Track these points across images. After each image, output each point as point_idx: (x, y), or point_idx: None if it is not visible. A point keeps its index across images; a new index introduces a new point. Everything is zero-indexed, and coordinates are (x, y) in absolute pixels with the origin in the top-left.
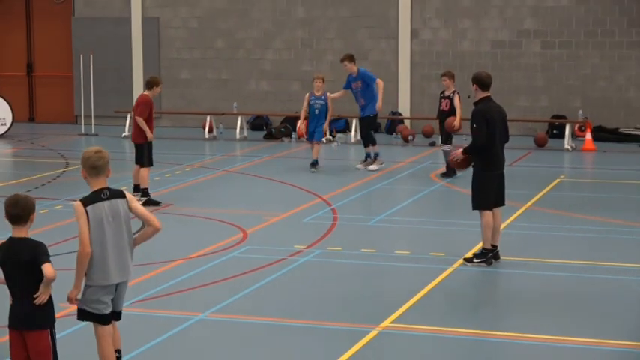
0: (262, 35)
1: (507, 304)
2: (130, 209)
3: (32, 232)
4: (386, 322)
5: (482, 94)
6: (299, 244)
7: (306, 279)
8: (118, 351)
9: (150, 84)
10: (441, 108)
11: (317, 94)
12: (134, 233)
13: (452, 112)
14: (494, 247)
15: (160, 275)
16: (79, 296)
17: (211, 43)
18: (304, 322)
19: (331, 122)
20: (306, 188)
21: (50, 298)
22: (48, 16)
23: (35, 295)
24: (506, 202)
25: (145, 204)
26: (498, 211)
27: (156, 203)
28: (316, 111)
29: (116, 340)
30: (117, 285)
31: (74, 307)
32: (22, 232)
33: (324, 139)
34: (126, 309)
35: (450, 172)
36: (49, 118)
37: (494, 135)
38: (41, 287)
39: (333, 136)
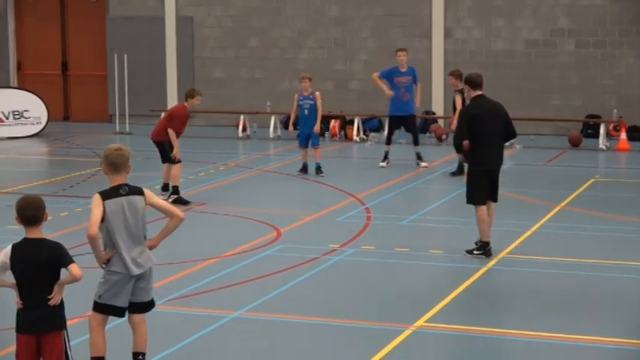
0: (296, 34)
1: (540, 304)
2: (150, 205)
3: (70, 229)
4: (419, 322)
5: (473, 94)
6: (333, 243)
7: (340, 278)
8: (143, 354)
9: (186, 96)
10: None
11: (305, 94)
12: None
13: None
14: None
15: (193, 274)
16: (104, 266)
17: (245, 42)
18: (337, 321)
19: (364, 121)
20: (340, 187)
21: (62, 299)
22: (82, 16)
23: (49, 297)
24: (533, 201)
25: (174, 202)
26: (492, 206)
27: (185, 202)
28: (306, 111)
29: (139, 343)
30: (136, 278)
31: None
32: (36, 233)
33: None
34: (160, 307)
35: (458, 171)
36: (84, 116)
37: (482, 133)
38: (55, 288)
39: (367, 136)
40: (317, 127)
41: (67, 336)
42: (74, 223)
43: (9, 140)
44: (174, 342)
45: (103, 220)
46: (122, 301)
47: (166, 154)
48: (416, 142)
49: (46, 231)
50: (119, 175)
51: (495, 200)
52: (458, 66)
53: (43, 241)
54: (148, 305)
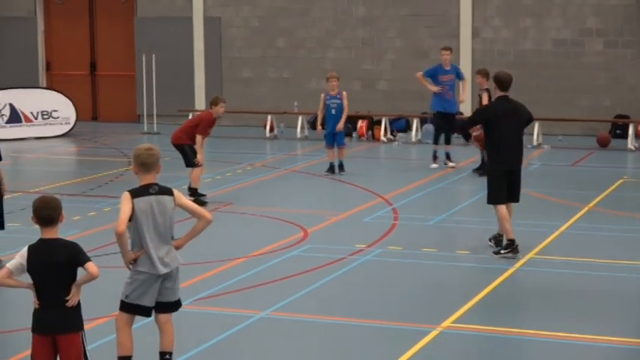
0: (323, 34)
1: (569, 305)
2: (179, 205)
3: (98, 229)
4: (447, 322)
5: (499, 93)
6: (360, 244)
7: (367, 278)
8: (169, 354)
9: (211, 103)
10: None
11: (332, 93)
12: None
13: None
14: (501, 234)
15: (221, 274)
16: (131, 267)
17: (272, 42)
18: (364, 321)
19: (391, 122)
20: (367, 187)
21: (79, 300)
22: (111, 16)
23: (67, 298)
24: (561, 202)
25: None
26: (510, 206)
27: (202, 203)
28: (332, 111)
29: (166, 343)
30: (162, 278)
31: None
32: (52, 233)
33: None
34: (187, 307)
35: (482, 168)
36: (112, 116)
37: (502, 133)
38: (73, 289)
39: (394, 136)
40: (340, 125)
41: (85, 337)
42: (102, 222)
43: (38, 140)
44: (201, 342)
45: (131, 218)
46: (149, 301)
47: (187, 158)
48: (448, 142)
49: (73, 230)
50: (149, 174)
51: (516, 201)
52: (485, 66)
53: (58, 241)
54: (175, 305)
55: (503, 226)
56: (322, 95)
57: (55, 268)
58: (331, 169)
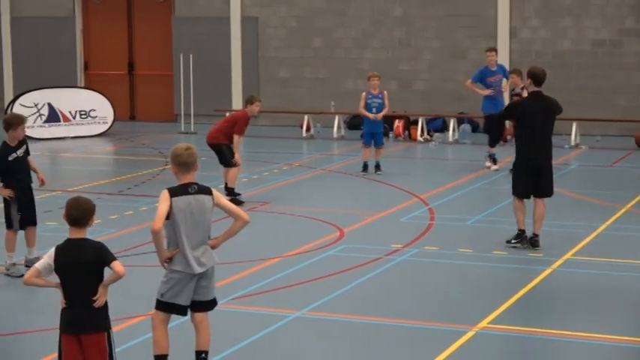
0: (360, 34)
1: (605, 306)
2: (217, 205)
3: (134, 227)
4: (483, 323)
5: (532, 88)
6: (396, 244)
7: (403, 278)
8: (205, 353)
9: (246, 102)
10: None
11: (374, 92)
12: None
13: None
14: (534, 234)
15: (257, 273)
16: (166, 265)
17: (309, 42)
18: (400, 321)
19: (428, 122)
20: (404, 187)
21: (106, 300)
22: (149, 16)
23: (94, 298)
24: (599, 202)
25: None
26: (540, 201)
27: (239, 203)
28: (374, 110)
29: (202, 342)
30: (198, 277)
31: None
32: (80, 234)
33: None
34: (223, 306)
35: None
36: (149, 116)
37: (531, 129)
38: (100, 289)
39: (431, 136)
40: (380, 115)
41: (111, 337)
42: (139, 221)
43: (75, 139)
44: (236, 341)
45: (168, 217)
46: (184, 300)
47: (224, 157)
48: (496, 143)
49: (110, 229)
50: (188, 174)
51: (540, 196)
52: (523, 66)
53: (85, 241)
54: (210, 304)
55: (515, 216)
56: (363, 94)
57: (82, 268)
58: (365, 168)
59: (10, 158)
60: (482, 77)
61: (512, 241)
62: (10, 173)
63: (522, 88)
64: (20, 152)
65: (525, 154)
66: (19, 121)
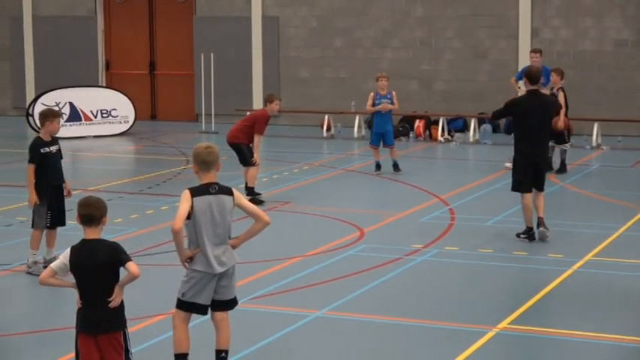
0: (381, 34)
1: (626, 307)
2: (238, 206)
3: (155, 227)
4: (503, 324)
5: (529, 87)
6: (416, 244)
7: (423, 279)
8: (225, 352)
9: (265, 101)
10: None
11: (382, 93)
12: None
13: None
14: (540, 219)
15: (277, 273)
16: (187, 265)
17: (330, 42)
18: (420, 321)
19: (449, 122)
20: (424, 188)
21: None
22: (170, 16)
23: (110, 299)
24: (620, 203)
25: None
26: (540, 194)
27: (259, 202)
28: (382, 110)
29: (222, 341)
30: (219, 276)
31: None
32: (94, 234)
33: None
34: (243, 305)
35: (562, 169)
36: (171, 115)
37: (528, 126)
38: (116, 289)
39: (452, 136)
40: (389, 107)
41: (127, 335)
42: (159, 221)
43: (97, 139)
44: (256, 340)
45: (189, 216)
46: (205, 299)
47: (243, 156)
48: None
49: (131, 228)
50: (209, 173)
51: (541, 189)
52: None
53: (100, 242)
54: (231, 303)
55: (523, 214)
56: (371, 94)
57: (97, 268)
58: (378, 167)
59: (42, 151)
60: (522, 76)
61: (522, 236)
62: (42, 169)
63: (561, 88)
64: (53, 149)
65: (524, 151)
66: (55, 114)
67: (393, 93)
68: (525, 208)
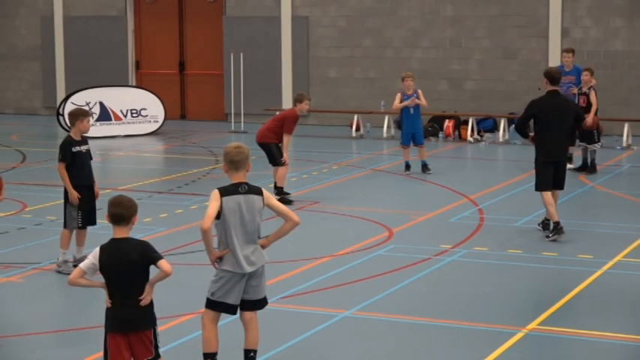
0: (410, 34)
1: None
2: (268, 206)
3: (184, 226)
4: (532, 325)
5: (549, 88)
6: (445, 244)
7: (452, 279)
8: (254, 352)
9: (295, 100)
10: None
11: (408, 93)
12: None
13: (589, 108)
14: (555, 221)
15: (306, 272)
16: (217, 265)
17: (359, 41)
18: (449, 322)
19: (478, 122)
20: (453, 188)
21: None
22: (200, 16)
23: (140, 298)
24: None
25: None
26: (556, 193)
27: (288, 202)
28: (411, 110)
29: (251, 341)
30: (248, 276)
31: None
32: (123, 233)
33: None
34: (272, 305)
35: (592, 169)
36: (200, 115)
37: (548, 126)
38: (146, 288)
39: (481, 136)
40: (418, 101)
41: (156, 332)
42: (189, 220)
43: (127, 138)
44: (285, 340)
45: (219, 216)
46: (234, 299)
47: (273, 156)
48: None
49: (161, 228)
50: (239, 173)
51: (561, 188)
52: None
53: (129, 240)
54: (260, 303)
55: (548, 211)
56: (398, 94)
57: (126, 267)
58: (407, 167)
59: (73, 150)
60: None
61: (550, 235)
62: (72, 168)
63: (590, 88)
64: (83, 148)
65: (545, 150)
66: (85, 113)
67: (419, 92)
68: (547, 203)
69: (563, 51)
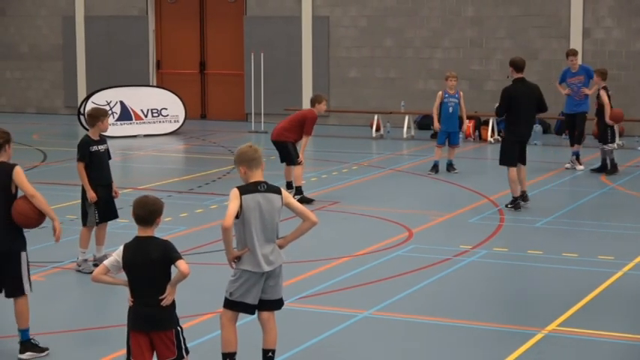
0: (431, 34)
1: None
2: (286, 205)
3: (204, 225)
4: (552, 326)
5: (516, 75)
6: (464, 245)
7: (471, 280)
8: (272, 351)
9: (313, 101)
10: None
11: (450, 92)
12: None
13: (603, 109)
14: (523, 192)
15: (325, 272)
16: (234, 264)
17: (380, 42)
18: (468, 322)
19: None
20: (473, 188)
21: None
22: (220, 16)
23: (161, 297)
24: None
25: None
26: (523, 168)
27: (309, 201)
28: (450, 109)
29: (269, 341)
30: (266, 276)
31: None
32: (147, 232)
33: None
34: (291, 304)
35: (612, 169)
36: (220, 115)
37: (518, 111)
38: (168, 288)
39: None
40: (467, 125)
41: (181, 332)
42: (209, 220)
43: (147, 138)
44: (303, 340)
45: (238, 215)
46: (252, 299)
47: (289, 154)
48: (578, 142)
49: (181, 227)
50: (256, 171)
51: (524, 164)
52: (596, 67)
53: (152, 239)
54: (278, 303)
55: (510, 186)
56: (440, 93)
57: (149, 265)
58: (435, 168)
59: (91, 149)
60: (564, 78)
61: (509, 205)
62: (90, 168)
63: (604, 87)
64: (101, 148)
65: (514, 131)
66: (103, 113)
67: (461, 93)
68: (512, 180)
69: (566, 54)
